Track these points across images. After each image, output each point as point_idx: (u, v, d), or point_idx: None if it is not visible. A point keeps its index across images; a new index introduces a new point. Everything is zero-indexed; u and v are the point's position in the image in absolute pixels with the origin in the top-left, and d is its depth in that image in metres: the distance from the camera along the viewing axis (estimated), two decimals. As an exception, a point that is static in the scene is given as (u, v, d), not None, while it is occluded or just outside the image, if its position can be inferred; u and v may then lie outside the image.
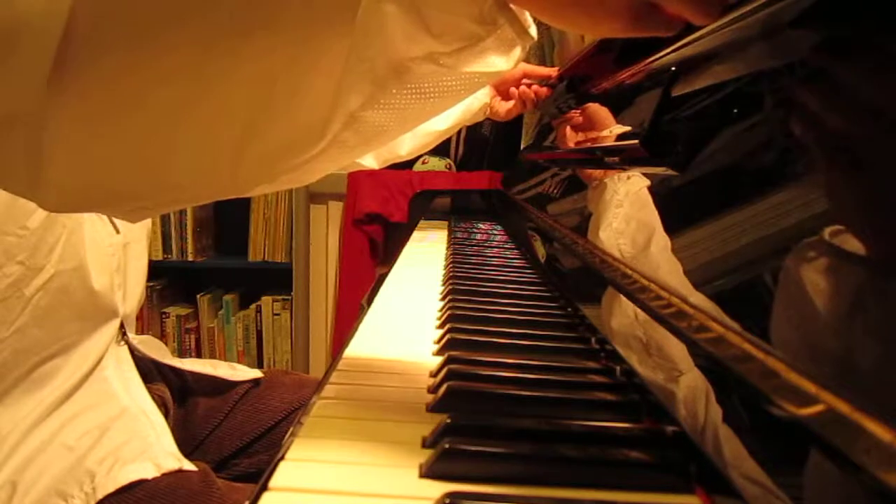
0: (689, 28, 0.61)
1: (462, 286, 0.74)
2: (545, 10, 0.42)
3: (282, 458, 0.37)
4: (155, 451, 0.69)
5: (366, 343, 0.59)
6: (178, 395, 0.89)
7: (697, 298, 0.42)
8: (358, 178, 2.25)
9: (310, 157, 0.43)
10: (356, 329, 0.62)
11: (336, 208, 2.31)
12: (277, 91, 0.40)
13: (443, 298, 0.72)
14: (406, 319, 0.67)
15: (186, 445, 0.86)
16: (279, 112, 0.41)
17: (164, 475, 0.66)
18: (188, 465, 0.70)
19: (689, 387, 0.40)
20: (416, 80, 0.40)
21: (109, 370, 0.78)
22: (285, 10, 0.38)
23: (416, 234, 1.34)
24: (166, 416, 0.85)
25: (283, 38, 0.39)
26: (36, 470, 0.64)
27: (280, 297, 2.33)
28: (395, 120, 0.42)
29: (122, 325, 0.82)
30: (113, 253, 0.79)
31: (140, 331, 0.99)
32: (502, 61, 0.42)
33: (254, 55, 0.39)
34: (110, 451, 0.67)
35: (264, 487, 0.34)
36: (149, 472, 0.66)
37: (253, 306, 2.34)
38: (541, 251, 0.91)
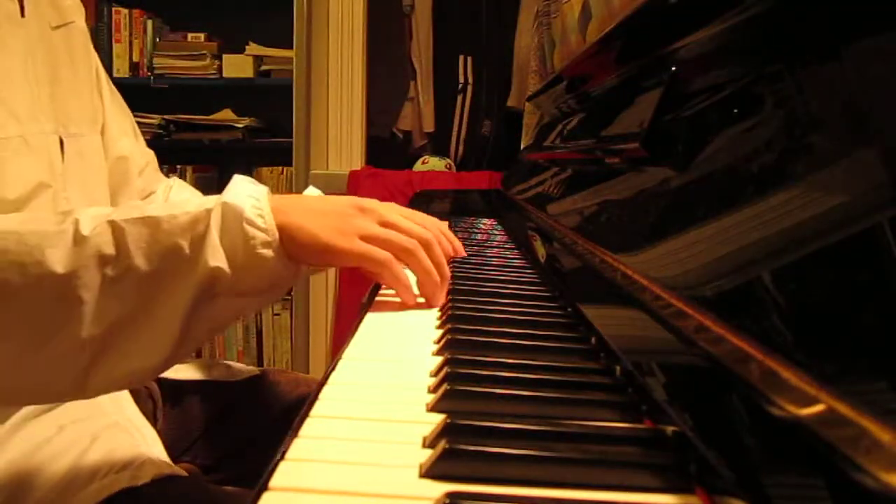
0: (690, 28, 0.62)
1: (462, 286, 0.74)
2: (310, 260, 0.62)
3: (282, 458, 0.37)
4: (145, 458, 0.69)
5: (366, 343, 0.59)
6: (171, 395, 0.89)
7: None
8: (358, 178, 2.25)
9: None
10: (356, 329, 0.62)
11: (336, 208, 2.31)
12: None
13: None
14: (406, 319, 0.67)
15: (180, 445, 0.86)
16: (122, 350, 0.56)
17: (153, 481, 0.66)
18: (178, 472, 0.70)
19: None
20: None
21: None
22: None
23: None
24: (156, 420, 0.84)
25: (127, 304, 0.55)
26: (24, 477, 0.64)
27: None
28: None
29: None
30: None
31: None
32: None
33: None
34: (99, 459, 0.67)
35: (264, 487, 0.34)
36: (138, 479, 0.66)
37: (253, 306, 2.34)
38: (541, 251, 0.91)
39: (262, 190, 0.61)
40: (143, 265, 0.55)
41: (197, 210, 0.57)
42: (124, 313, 0.55)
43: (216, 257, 0.56)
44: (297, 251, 0.60)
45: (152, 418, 0.85)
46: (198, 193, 1.01)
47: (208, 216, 0.57)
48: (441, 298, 0.68)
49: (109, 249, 0.55)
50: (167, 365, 0.60)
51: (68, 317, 0.54)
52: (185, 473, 0.70)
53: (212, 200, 0.59)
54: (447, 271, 0.69)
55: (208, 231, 0.56)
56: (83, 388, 0.57)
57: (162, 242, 0.56)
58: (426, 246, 0.66)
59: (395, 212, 0.68)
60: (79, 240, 0.55)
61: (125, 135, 0.92)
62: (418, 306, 0.68)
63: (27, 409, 0.69)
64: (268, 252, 0.57)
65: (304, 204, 0.64)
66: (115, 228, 0.56)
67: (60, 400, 0.62)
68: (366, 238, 0.63)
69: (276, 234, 0.58)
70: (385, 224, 0.65)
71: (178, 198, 0.96)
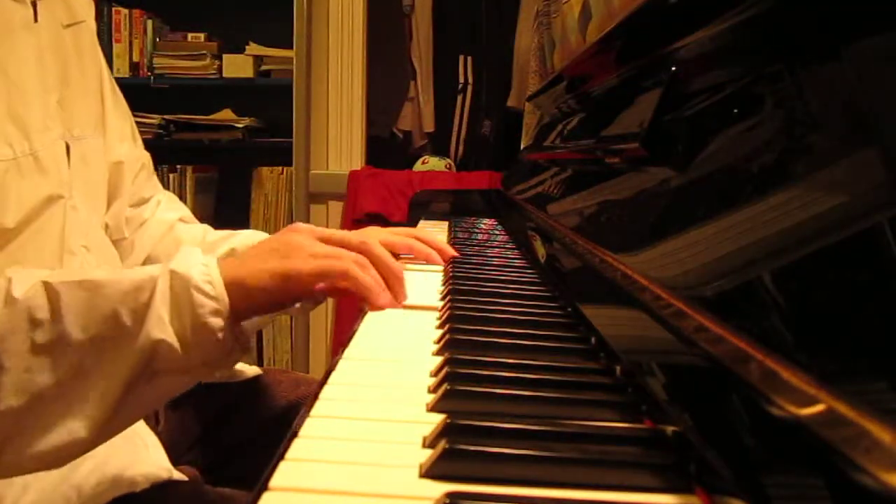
0: (689, 28, 0.62)
1: (462, 286, 0.74)
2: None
3: (282, 458, 0.37)
4: (144, 463, 0.68)
5: (366, 343, 0.59)
6: (172, 399, 0.89)
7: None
8: (358, 178, 2.25)
9: None
10: (356, 328, 0.62)
11: (336, 208, 2.31)
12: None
13: (443, 298, 0.72)
14: (406, 319, 0.67)
15: (181, 446, 0.86)
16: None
17: (152, 487, 0.66)
18: (178, 476, 0.69)
19: None
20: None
21: None
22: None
23: (416, 234, 1.34)
24: (157, 422, 0.84)
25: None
26: (22, 483, 0.63)
27: (280, 297, 2.33)
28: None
29: None
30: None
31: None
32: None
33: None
34: (98, 464, 0.66)
35: (264, 487, 0.34)
36: (137, 485, 0.65)
37: (253, 306, 2.33)
38: (541, 251, 0.91)
39: (211, 259, 0.59)
40: (78, 333, 0.52)
41: (141, 277, 0.54)
42: (51, 384, 0.51)
43: (160, 329, 0.53)
44: (257, 297, 0.58)
45: (153, 420, 0.85)
46: (187, 213, 0.99)
47: (153, 283, 0.54)
48: (403, 294, 0.68)
49: (42, 314, 0.51)
50: (88, 448, 0.55)
51: None
52: (185, 478, 0.70)
53: (158, 269, 0.56)
54: (397, 269, 0.69)
55: (152, 299, 0.53)
56: None
57: (100, 308, 0.52)
58: (365, 250, 0.66)
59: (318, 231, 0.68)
60: (8, 301, 0.51)
61: (124, 139, 0.92)
62: (393, 305, 0.68)
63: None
64: (217, 321, 0.55)
65: (248, 253, 0.64)
66: (50, 291, 0.52)
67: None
68: (314, 256, 0.62)
69: (227, 302, 0.56)
70: (323, 238, 0.65)
71: (164, 216, 0.94)
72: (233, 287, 0.57)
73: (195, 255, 0.59)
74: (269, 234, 0.79)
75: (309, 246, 0.63)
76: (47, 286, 0.52)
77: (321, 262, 0.62)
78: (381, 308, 0.66)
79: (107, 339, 0.53)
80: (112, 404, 0.53)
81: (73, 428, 0.52)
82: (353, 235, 0.68)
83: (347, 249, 0.65)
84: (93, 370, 0.52)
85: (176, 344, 0.53)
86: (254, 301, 0.58)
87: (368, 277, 0.64)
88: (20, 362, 0.51)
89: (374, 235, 0.76)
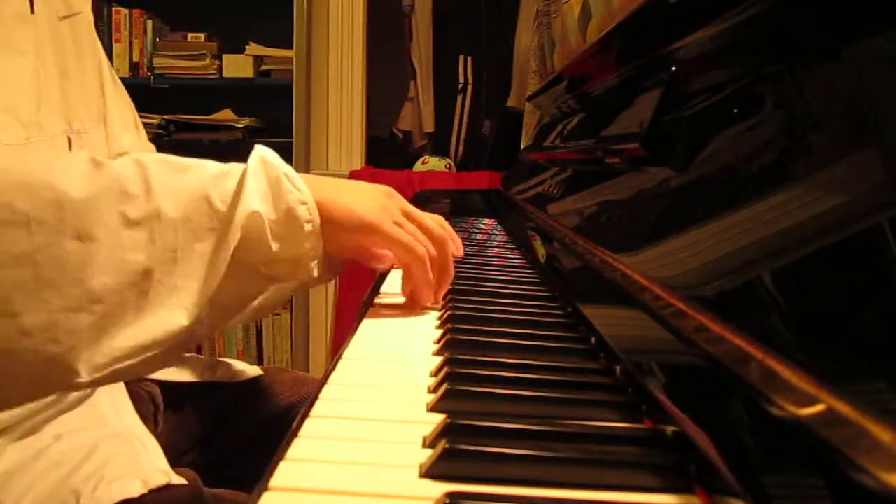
0: (689, 28, 0.62)
1: (462, 286, 0.74)
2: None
3: (282, 457, 0.37)
4: (143, 467, 0.68)
5: (366, 343, 0.59)
6: (171, 399, 0.89)
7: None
8: (358, 178, 2.25)
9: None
10: (356, 328, 0.62)
11: (336, 208, 2.31)
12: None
13: (443, 298, 0.72)
14: (406, 319, 0.67)
15: (181, 447, 0.86)
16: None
17: (150, 492, 0.66)
18: (177, 479, 0.69)
19: None
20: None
21: (102, 398, 0.76)
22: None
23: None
24: (156, 424, 0.84)
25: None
26: (20, 486, 0.63)
27: (280, 297, 2.33)
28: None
29: None
30: None
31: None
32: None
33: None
34: (97, 468, 0.66)
35: (264, 487, 0.34)
36: (135, 489, 0.65)
37: (253, 306, 2.34)
38: (541, 251, 0.91)
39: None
40: (171, 210, 0.49)
41: (227, 165, 0.53)
42: (145, 265, 0.48)
43: (254, 203, 0.50)
44: (332, 229, 0.56)
45: (153, 422, 0.84)
46: None
47: (243, 169, 0.52)
48: (440, 297, 0.69)
49: (134, 187, 0.48)
50: (189, 340, 0.52)
51: (78, 256, 0.46)
52: (184, 481, 0.69)
53: (239, 165, 0.54)
54: (452, 271, 0.68)
55: (244, 180, 0.51)
56: (87, 365, 0.47)
57: (191, 189, 0.50)
58: (442, 244, 0.65)
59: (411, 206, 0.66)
60: (97, 164, 0.48)
61: (127, 130, 0.91)
62: (425, 310, 0.68)
63: (25, 414, 0.68)
64: (306, 213, 0.53)
65: (335, 182, 0.61)
66: (140, 166, 0.49)
67: (48, 386, 0.52)
68: (401, 225, 0.61)
69: (313, 199, 0.54)
70: (408, 215, 0.64)
71: None
72: (320, 202, 0.55)
73: (273, 153, 0.56)
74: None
75: (394, 212, 0.62)
76: (137, 161, 0.50)
77: (402, 233, 0.61)
78: (419, 306, 0.66)
79: (200, 221, 0.50)
80: (206, 294, 0.50)
81: (170, 317, 0.49)
82: (430, 221, 0.65)
83: (428, 237, 0.64)
84: (187, 253, 0.50)
85: (267, 222, 0.52)
86: (334, 227, 0.56)
87: (431, 275, 0.64)
88: (112, 237, 0.47)
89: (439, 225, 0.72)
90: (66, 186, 0.46)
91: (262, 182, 0.53)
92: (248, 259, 0.52)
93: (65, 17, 0.78)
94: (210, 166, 0.53)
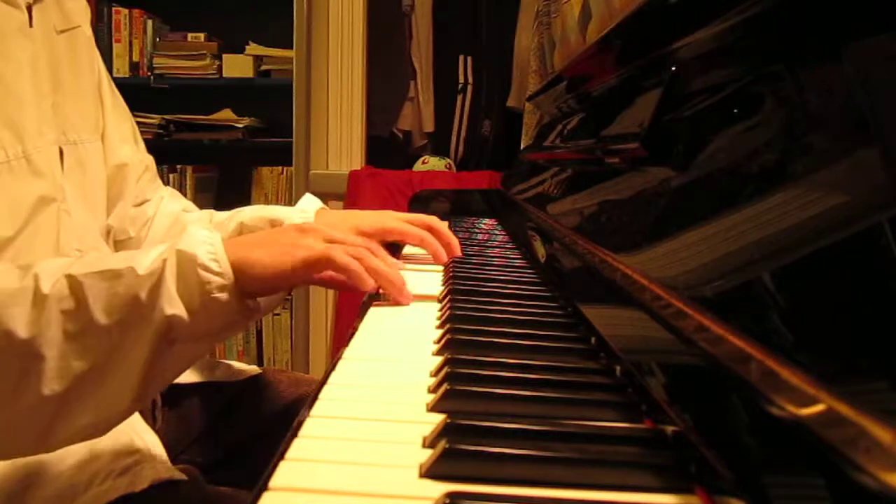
0: (689, 28, 0.62)
1: (462, 286, 0.74)
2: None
3: (282, 457, 0.37)
4: (143, 463, 0.68)
5: (365, 343, 0.59)
6: (171, 397, 0.89)
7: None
8: (358, 178, 2.25)
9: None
10: (356, 329, 0.62)
11: (336, 208, 2.30)
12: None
13: (442, 298, 0.72)
14: (406, 319, 0.67)
15: (180, 444, 0.86)
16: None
17: (151, 487, 0.66)
18: (178, 475, 0.69)
19: None
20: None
21: None
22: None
23: (416, 234, 1.33)
24: (155, 421, 0.84)
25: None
26: (22, 483, 0.63)
27: (280, 297, 2.33)
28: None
29: None
30: None
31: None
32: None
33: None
34: (97, 464, 0.66)
35: (264, 487, 0.34)
36: (137, 484, 0.65)
37: (253, 306, 2.33)
38: (541, 251, 0.91)
39: (216, 235, 0.63)
40: (103, 319, 0.57)
41: (153, 261, 0.59)
42: (86, 367, 0.57)
43: (173, 305, 0.58)
44: (253, 284, 0.62)
45: (151, 419, 0.85)
46: (190, 204, 1.01)
47: (163, 266, 0.58)
48: (408, 296, 0.71)
49: (69, 305, 0.56)
50: (128, 414, 0.62)
51: (31, 375, 0.55)
52: (184, 477, 0.70)
53: (167, 249, 0.60)
54: (398, 274, 0.70)
55: (163, 280, 0.58)
56: (46, 443, 0.59)
57: (120, 295, 0.57)
58: (374, 253, 0.68)
59: (342, 228, 0.71)
60: (39, 299, 0.56)
61: (126, 141, 0.92)
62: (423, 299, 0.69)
63: None
64: (223, 295, 0.59)
65: (254, 239, 0.67)
66: (74, 283, 0.57)
67: (22, 455, 0.63)
68: (313, 245, 0.65)
69: (231, 277, 0.60)
70: (330, 241, 0.67)
71: (169, 209, 0.96)
72: (237, 265, 0.61)
73: (200, 234, 0.62)
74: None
75: (309, 244, 0.65)
76: (71, 279, 0.57)
77: (312, 251, 0.64)
78: (405, 300, 0.70)
79: (129, 321, 0.58)
80: (140, 376, 0.58)
81: (111, 402, 0.59)
82: (368, 217, 0.71)
83: (355, 248, 0.67)
84: (120, 348, 0.57)
85: (186, 317, 0.58)
86: (244, 287, 0.61)
87: (372, 281, 0.67)
88: (57, 351, 0.56)
89: (390, 217, 0.78)
90: (15, 327, 0.55)
91: (179, 279, 0.59)
92: (176, 337, 0.59)
93: (63, 31, 0.78)
94: (139, 268, 0.59)
